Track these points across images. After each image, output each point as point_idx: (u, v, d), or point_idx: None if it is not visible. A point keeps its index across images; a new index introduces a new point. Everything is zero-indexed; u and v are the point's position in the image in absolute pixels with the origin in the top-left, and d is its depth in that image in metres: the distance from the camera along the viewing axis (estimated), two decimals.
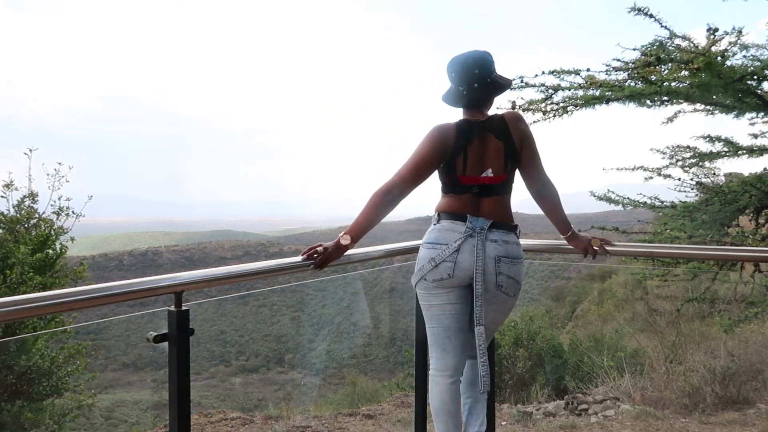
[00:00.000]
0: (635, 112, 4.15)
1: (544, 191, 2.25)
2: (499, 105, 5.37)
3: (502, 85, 2.17)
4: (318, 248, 2.06)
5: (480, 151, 2.09)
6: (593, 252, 2.31)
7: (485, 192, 2.11)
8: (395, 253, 2.49)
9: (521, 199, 2.41)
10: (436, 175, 2.19)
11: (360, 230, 2.11)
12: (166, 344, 1.65)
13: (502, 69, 2.21)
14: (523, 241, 2.55)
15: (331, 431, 4.15)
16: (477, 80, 2.11)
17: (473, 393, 2.29)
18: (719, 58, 3.66)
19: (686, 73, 3.77)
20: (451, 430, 2.14)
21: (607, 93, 3.96)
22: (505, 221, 2.14)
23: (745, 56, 3.80)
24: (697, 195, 4.85)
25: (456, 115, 2.21)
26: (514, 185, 2.23)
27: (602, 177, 5.33)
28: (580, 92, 4.12)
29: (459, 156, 2.07)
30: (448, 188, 2.15)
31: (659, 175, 4.76)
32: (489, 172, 2.10)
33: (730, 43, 3.73)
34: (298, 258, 2.07)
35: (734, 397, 4.32)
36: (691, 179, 4.89)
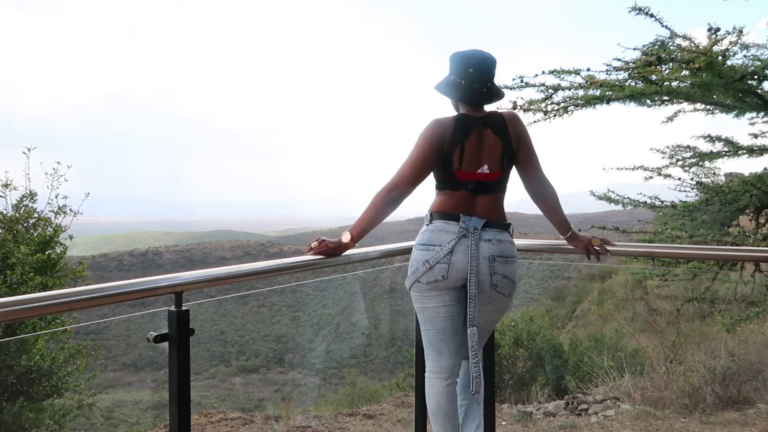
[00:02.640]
0: (635, 111, 4.16)
1: (542, 191, 2.24)
2: (500, 105, 5.36)
3: (499, 92, 2.18)
4: (314, 243, 2.13)
5: (477, 145, 2.07)
6: (595, 252, 2.30)
7: (480, 189, 2.10)
8: (395, 253, 2.49)
9: (520, 198, 2.40)
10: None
11: (362, 230, 2.12)
12: (166, 344, 1.65)
13: (502, 69, 2.21)
14: (522, 241, 2.53)
15: (331, 431, 4.15)
16: (488, 79, 2.12)
17: (469, 394, 2.28)
18: (720, 57, 3.65)
19: (687, 72, 3.77)
20: (448, 431, 2.14)
21: (607, 93, 3.95)
22: (498, 220, 2.13)
23: (745, 56, 3.80)
24: (697, 195, 4.84)
25: (450, 111, 2.22)
26: (512, 186, 2.24)
27: (602, 177, 5.35)
28: (581, 92, 4.11)
29: (456, 150, 2.05)
30: (443, 184, 2.13)
31: (659, 174, 4.75)
32: (485, 168, 2.08)
33: (730, 42, 3.73)
34: (300, 258, 2.09)
35: (734, 397, 4.32)
36: (692, 179, 4.89)
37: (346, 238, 2.11)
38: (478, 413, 2.29)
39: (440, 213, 2.11)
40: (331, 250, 2.13)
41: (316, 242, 2.14)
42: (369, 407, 4.81)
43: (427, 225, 2.13)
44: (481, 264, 2.05)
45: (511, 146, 2.12)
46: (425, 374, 2.19)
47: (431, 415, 2.18)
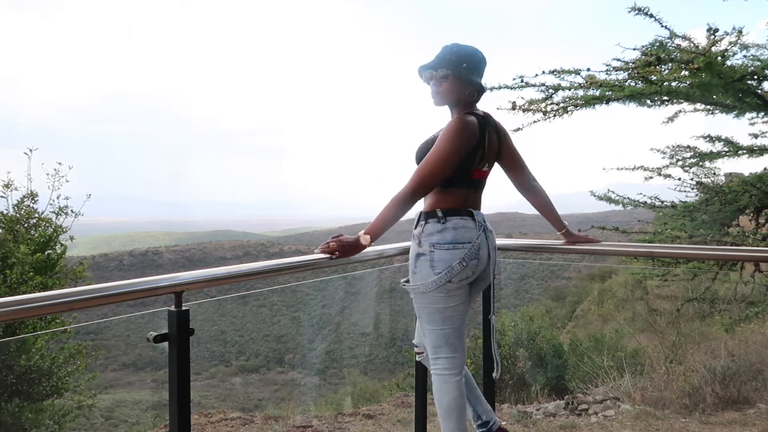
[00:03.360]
0: (635, 111, 4.16)
1: (533, 186, 2.37)
2: (500, 105, 5.36)
3: None
4: (333, 243, 2.06)
5: (490, 144, 2.14)
6: (588, 239, 2.48)
7: (481, 185, 2.19)
8: (395, 253, 2.49)
9: (521, 199, 2.44)
10: None
11: (380, 231, 2.07)
12: (166, 344, 1.65)
13: (502, 69, 2.28)
14: (522, 241, 2.59)
15: (331, 431, 4.15)
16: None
17: (473, 386, 2.38)
18: (719, 58, 3.65)
19: (686, 73, 3.77)
20: (462, 425, 2.16)
21: (607, 93, 3.95)
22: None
23: (745, 56, 3.80)
24: (697, 195, 4.84)
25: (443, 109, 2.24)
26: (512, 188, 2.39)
27: (602, 177, 5.37)
28: (581, 92, 4.11)
29: (479, 149, 2.09)
30: (453, 183, 2.09)
31: (659, 174, 4.75)
32: (486, 166, 2.18)
33: (730, 42, 3.73)
34: (300, 258, 2.08)
35: (734, 397, 4.32)
36: (691, 179, 4.89)
37: (365, 240, 2.05)
38: (484, 399, 2.40)
39: (452, 210, 2.09)
40: (349, 254, 2.08)
41: (334, 242, 2.06)
42: (369, 407, 4.81)
43: (442, 223, 2.07)
44: (492, 255, 2.15)
45: (503, 144, 2.23)
46: (436, 373, 2.17)
47: (445, 413, 2.15)
